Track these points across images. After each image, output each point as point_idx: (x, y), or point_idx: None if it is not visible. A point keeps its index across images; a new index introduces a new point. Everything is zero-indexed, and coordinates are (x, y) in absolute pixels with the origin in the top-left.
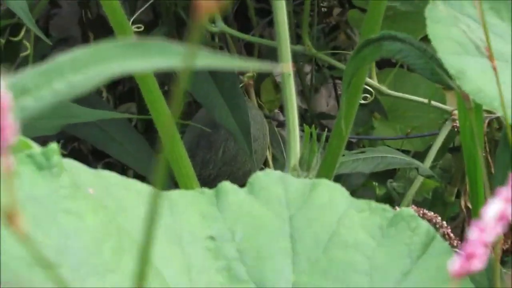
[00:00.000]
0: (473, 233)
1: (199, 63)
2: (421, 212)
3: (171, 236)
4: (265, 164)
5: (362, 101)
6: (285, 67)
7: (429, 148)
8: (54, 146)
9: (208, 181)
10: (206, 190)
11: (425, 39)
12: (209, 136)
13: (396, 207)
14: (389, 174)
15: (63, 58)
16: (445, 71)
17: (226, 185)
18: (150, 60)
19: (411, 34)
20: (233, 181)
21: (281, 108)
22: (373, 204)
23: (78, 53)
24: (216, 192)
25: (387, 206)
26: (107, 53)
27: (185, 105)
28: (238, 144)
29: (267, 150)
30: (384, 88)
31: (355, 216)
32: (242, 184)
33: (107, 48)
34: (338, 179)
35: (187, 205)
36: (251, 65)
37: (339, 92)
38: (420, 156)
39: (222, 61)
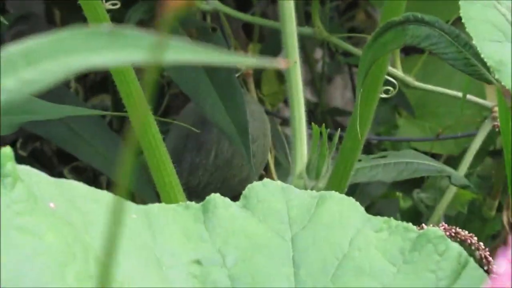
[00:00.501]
0: (502, 264)
1: (175, 58)
2: (453, 231)
3: (149, 259)
4: (266, 171)
5: (383, 95)
6: (290, 56)
7: (464, 152)
8: (6, 151)
9: (197, 190)
10: (191, 204)
11: (458, 22)
12: (198, 136)
13: (423, 225)
14: (416, 183)
15: (15, 49)
16: (482, 62)
17: (216, 198)
18: (119, 54)
19: (441, 16)
20: (227, 190)
21: (286, 103)
22: (393, 222)
23: (34, 43)
24: (204, 207)
25: (410, 225)
26: (69, 44)
27: (169, 99)
28: (233, 146)
29: (269, 153)
30: (410, 79)
31: (371, 236)
32: (237, 195)
33: (69, 37)
34: (353, 189)
35: (169, 222)
36: (245, 61)
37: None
38: (454, 161)
39: (205, 55)
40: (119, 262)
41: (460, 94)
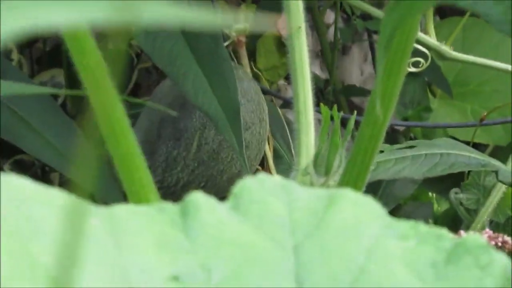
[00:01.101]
0: None
1: (148, 18)
2: (500, 239)
3: (114, 276)
4: (263, 165)
5: (412, 69)
6: (293, 20)
7: None
8: None
9: (175, 190)
10: (167, 206)
11: None
12: (176, 122)
13: (462, 232)
14: (454, 181)
15: None
16: None
17: (198, 199)
18: (72, 10)
19: None
20: (213, 190)
21: (288, 79)
22: (423, 228)
23: None
24: (183, 209)
25: (443, 232)
26: None
27: (139, 74)
28: (221, 135)
29: (266, 144)
30: (446, 49)
31: (394, 246)
32: (225, 197)
33: None
34: (373, 189)
35: (140, 228)
36: (235, 24)
37: None
38: (502, 153)
39: (184, 15)
40: (76, 281)
41: (509, 67)
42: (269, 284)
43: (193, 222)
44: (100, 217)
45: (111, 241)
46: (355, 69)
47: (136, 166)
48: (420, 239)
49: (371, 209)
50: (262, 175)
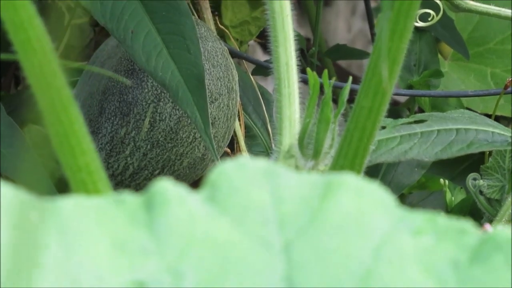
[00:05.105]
0: None
1: None
2: None
3: (62, 281)
4: (232, 147)
5: (419, 23)
6: None
7: None
8: None
9: (122, 179)
10: (127, 198)
11: None
12: (123, 92)
13: (486, 225)
14: (471, 163)
15: None
16: None
17: (166, 188)
18: None
19: None
20: (171, 178)
21: (262, 38)
22: (442, 221)
23: None
24: (147, 202)
25: (467, 225)
26: None
27: (72, 33)
28: (179, 109)
29: (236, 120)
30: None
31: (407, 243)
32: (191, 185)
33: None
34: (372, 174)
35: (91, 226)
36: None
37: (372, 5)
38: None
39: None
40: None
41: None
42: None
43: (159, 218)
44: (41, 211)
45: (58, 240)
46: (341, 24)
47: (81, 149)
48: (438, 235)
49: (378, 198)
50: (243, 159)
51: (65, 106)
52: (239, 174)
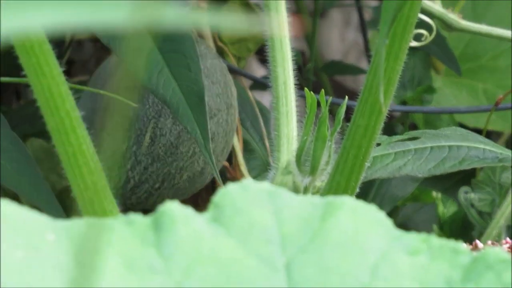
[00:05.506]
0: None
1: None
2: None
3: None
4: (230, 161)
5: (414, 43)
6: None
7: None
8: None
9: (123, 193)
10: (136, 218)
11: None
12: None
13: (477, 242)
14: (463, 177)
15: None
16: None
17: (173, 209)
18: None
19: None
20: (171, 192)
21: (260, 54)
22: (436, 241)
23: None
24: (156, 222)
25: (460, 246)
26: None
27: (73, 50)
28: (179, 124)
29: (234, 135)
30: (454, 17)
31: (402, 262)
32: (188, 200)
33: None
34: (364, 187)
35: (104, 245)
36: None
37: (366, 17)
38: None
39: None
40: None
41: None
42: None
43: (167, 237)
44: (57, 232)
45: (72, 260)
46: (335, 35)
47: (89, 168)
48: (433, 254)
49: (374, 219)
50: (246, 181)
51: (74, 127)
52: (243, 195)
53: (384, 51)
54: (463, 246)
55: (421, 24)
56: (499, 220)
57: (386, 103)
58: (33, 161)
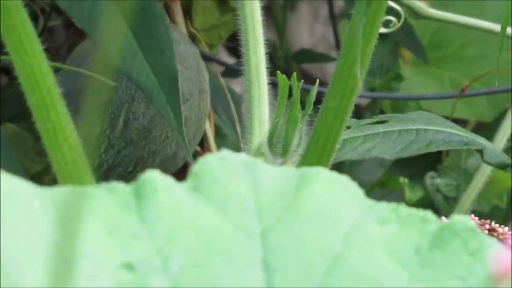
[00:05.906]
0: None
1: None
2: (487, 226)
3: (60, 268)
4: (202, 145)
5: (382, 29)
6: None
7: (503, 115)
8: None
9: (97, 176)
10: (118, 186)
11: None
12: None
13: (443, 218)
14: (429, 163)
15: None
16: None
17: (155, 178)
18: None
19: None
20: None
21: (231, 41)
22: (405, 211)
23: None
24: (137, 190)
25: (428, 214)
26: None
27: (48, 34)
28: (153, 108)
29: (206, 119)
30: (421, 5)
31: (374, 231)
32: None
33: None
34: (337, 171)
35: (87, 212)
36: None
37: (336, 11)
38: (487, 129)
39: None
40: (16, 274)
41: (497, 28)
42: (233, 273)
43: (149, 205)
44: (42, 198)
45: (56, 226)
46: (304, 29)
47: (68, 144)
48: (402, 223)
49: (348, 190)
50: (225, 153)
51: (54, 104)
52: (221, 166)
53: (360, 29)
54: (432, 215)
55: (390, 11)
56: (464, 204)
57: (359, 84)
58: (8, 145)
